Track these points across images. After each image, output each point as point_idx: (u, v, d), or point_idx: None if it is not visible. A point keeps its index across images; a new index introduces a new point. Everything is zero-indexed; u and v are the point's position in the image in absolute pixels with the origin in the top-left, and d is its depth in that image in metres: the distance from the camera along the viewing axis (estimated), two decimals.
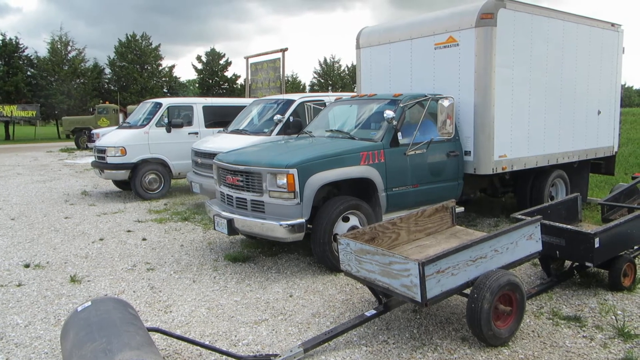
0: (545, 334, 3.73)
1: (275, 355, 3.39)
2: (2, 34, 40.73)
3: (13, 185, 11.90)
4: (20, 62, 40.77)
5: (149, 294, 4.70)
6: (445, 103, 5.53)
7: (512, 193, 7.63)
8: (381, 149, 5.54)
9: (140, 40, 46.52)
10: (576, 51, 7.30)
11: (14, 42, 40.39)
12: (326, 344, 3.54)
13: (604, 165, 8.54)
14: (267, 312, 4.22)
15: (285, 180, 4.91)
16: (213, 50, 50.68)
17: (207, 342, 3.63)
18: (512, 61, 6.40)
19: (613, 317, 4.00)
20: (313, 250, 5.21)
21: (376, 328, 3.85)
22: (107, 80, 46.64)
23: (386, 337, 3.70)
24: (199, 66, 50.62)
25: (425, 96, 6.12)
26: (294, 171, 4.90)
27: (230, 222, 5.28)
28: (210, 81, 50.50)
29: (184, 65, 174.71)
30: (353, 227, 5.15)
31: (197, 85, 54.13)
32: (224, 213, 5.46)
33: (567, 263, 4.84)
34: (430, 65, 6.74)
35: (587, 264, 4.37)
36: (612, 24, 7.90)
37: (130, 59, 45.26)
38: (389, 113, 5.59)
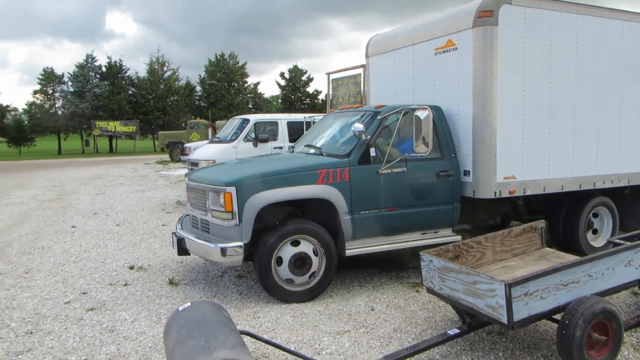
0: None
1: None
2: (108, 57, 45.19)
3: (117, 194, 13.13)
4: (123, 82, 45.02)
5: (238, 299, 5.01)
6: (421, 115, 4.82)
7: (544, 219, 6.70)
8: (346, 166, 4.93)
9: (228, 59, 49.44)
10: (620, 51, 6.17)
11: (117, 65, 44.72)
12: (408, 359, 3.57)
13: None
14: (349, 324, 4.33)
15: (223, 199, 4.60)
16: (295, 67, 52.62)
17: (292, 349, 3.80)
18: (523, 66, 5.48)
19: None
20: (255, 274, 4.99)
21: (459, 348, 3.81)
22: (198, 97, 49.99)
23: (470, 357, 3.65)
24: (282, 82, 52.69)
25: (405, 107, 5.34)
26: (232, 189, 4.56)
27: (179, 241, 5.08)
28: (293, 97, 52.28)
29: (267, 81, 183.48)
30: (301, 253, 4.75)
31: (280, 100, 56.21)
32: (179, 231, 5.26)
33: None
34: (430, 72, 5.98)
35: None
36: None
37: (219, 77, 48.20)
38: (357, 126, 4.96)
